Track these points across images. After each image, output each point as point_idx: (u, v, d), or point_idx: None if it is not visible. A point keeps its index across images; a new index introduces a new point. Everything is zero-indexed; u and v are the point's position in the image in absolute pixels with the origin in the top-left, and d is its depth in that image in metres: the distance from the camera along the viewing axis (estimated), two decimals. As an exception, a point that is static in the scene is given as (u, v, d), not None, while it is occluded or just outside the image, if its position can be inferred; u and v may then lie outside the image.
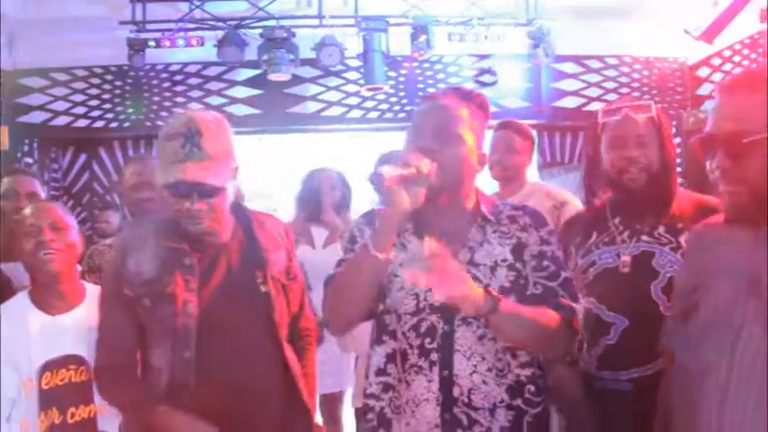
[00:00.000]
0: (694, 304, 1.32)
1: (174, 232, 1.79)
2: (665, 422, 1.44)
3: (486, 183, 2.64)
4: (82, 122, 5.90)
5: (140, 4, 5.37)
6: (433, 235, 1.61)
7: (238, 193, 2.58)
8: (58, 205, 2.15)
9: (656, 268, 1.86)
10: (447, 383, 1.55)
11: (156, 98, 5.95)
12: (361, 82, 5.73)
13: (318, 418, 2.48)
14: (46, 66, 5.79)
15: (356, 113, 6.09)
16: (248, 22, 5.48)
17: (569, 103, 6.16)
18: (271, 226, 1.94)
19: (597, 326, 1.90)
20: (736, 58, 5.42)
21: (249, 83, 5.96)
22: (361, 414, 1.74)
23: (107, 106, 5.92)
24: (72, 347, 1.94)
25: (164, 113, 5.84)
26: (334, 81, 6.03)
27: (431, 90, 5.83)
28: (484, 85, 5.81)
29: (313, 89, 6.02)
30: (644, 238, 1.91)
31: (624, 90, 6.13)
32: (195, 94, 5.96)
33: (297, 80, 5.84)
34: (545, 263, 1.62)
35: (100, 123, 5.92)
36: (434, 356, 1.55)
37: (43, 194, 2.76)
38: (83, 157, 6.06)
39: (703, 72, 5.95)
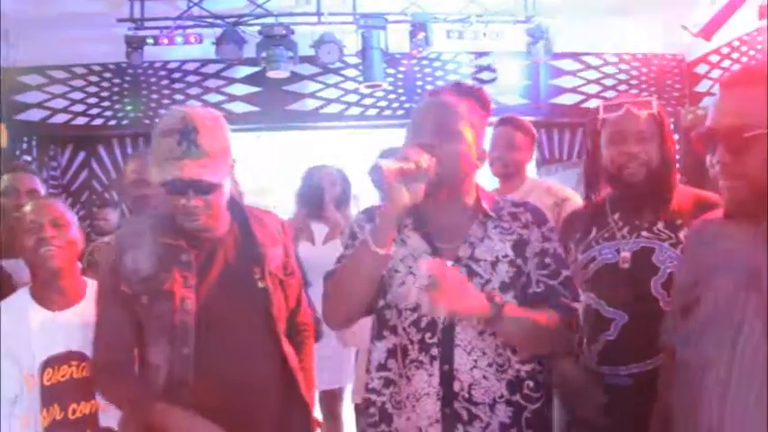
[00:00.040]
0: (695, 299, 1.33)
1: (170, 229, 1.78)
2: (664, 417, 1.44)
3: (486, 179, 2.65)
4: (80, 120, 5.90)
5: (139, 2, 5.36)
6: (434, 230, 1.63)
7: (238, 191, 2.59)
8: (58, 202, 2.15)
9: (656, 264, 1.86)
10: (447, 378, 1.56)
11: (155, 96, 5.95)
12: (360, 79, 5.72)
13: (318, 414, 2.48)
14: (44, 63, 5.79)
15: (355, 111, 6.10)
16: (247, 19, 5.48)
17: (568, 99, 6.17)
18: (268, 222, 1.94)
19: (597, 321, 1.90)
20: (735, 55, 5.42)
21: (248, 80, 5.96)
22: (361, 410, 1.74)
23: (106, 104, 5.92)
24: (73, 344, 1.94)
25: (162, 111, 5.83)
26: (332, 78, 6.03)
27: (429, 87, 5.84)
28: (482, 82, 5.81)
29: (312, 86, 6.03)
30: (644, 233, 1.91)
31: (622, 87, 6.15)
32: (194, 91, 5.97)
33: (295, 77, 5.84)
34: (547, 260, 1.63)
35: (98, 121, 5.92)
36: (435, 351, 1.56)
37: (43, 191, 2.76)
38: (81, 155, 6.06)
39: (701, 69, 5.96)
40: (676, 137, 1.96)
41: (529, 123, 3.16)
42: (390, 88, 6.01)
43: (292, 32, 5.41)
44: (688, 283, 1.38)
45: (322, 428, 2.12)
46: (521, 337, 1.55)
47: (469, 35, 5.50)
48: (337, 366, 3.52)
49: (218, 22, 5.42)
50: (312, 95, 6.04)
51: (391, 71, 5.94)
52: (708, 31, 4.70)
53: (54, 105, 5.87)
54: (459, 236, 1.62)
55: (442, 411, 1.55)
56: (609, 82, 6.17)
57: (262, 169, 6.36)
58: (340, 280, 1.61)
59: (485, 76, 5.87)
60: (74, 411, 1.91)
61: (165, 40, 5.41)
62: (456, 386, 1.55)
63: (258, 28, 5.41)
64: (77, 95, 5.90)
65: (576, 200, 2.73)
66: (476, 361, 1.56)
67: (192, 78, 5.98)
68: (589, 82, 6.16)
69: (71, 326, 1.96)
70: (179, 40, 5.45)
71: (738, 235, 1.28)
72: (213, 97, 5.92)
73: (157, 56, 5.73)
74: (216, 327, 1.73)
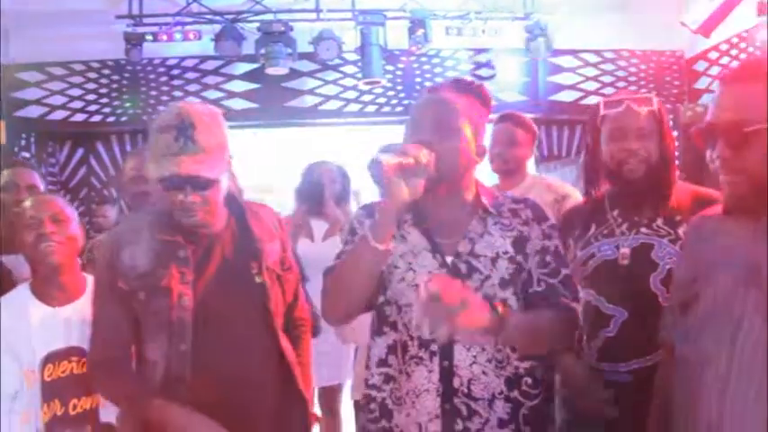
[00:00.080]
0: (694, 296, 1.33)
1: (167, 225, 1.78)
2: (663, 413, 1.45)
3: (485, 175, 2.65)
4: (79, 117, 5.89)
5: (137, -2, 5.37)
6: (434, 226, 1.63)
7: (237, 187, 2.59)
8: (58, 198, 2.15)
9: (656, 260, 1.86)
10: (447, 374, 1.56)
11: (154, 92, 5.94)
12: (359, 76, 5.73)
13: (317, 410, 2.49)
14: (43, 60, 5.77)
15: (354, 107, 6.09)
16: (245, 15, 5.48)
17: (566, 96, 6.16)
18: (265, 216, 1.94)
19: (597, 318, 1.90)
20: (734, 52, 5.42)
21: (246, 77, 5.95)
22: (361, 406, 1.74)
23: (104, 100, 5.91)
24: (74, 339, 1.94)
25: (161, 108, 5.82)
26: (331, 75, 6.02)
27: (428, 84, 5.84)
28: (481, 79, 5.80)
29: (310, 83, 6.02)
30: (643, 230, 1.91)
31: (621, 84, 6.14)
32: (192, 88, 5.95)
33: (294, 74, 5.83)
34: (548, 258, 1.64)
35: (97, 118, 5.91)
36: (434, 347, 1.56)
37: (42, 187, 2.75)
38: (80, 152, 6.05)
39: (700, 66, 5.95)
40: (675, 134, 1.96)
41: (529, 120, 3.16)
42: (389, 85, 6.00)
43: (291, 29, 5.41)
44: (687, 280, 1.38)
45: (321, 423, 2.12)
46: (522, 341, 1.55)
47: (468, 32, 5.51)
48: (336, 363, 3.52)
49: (217, 18, 5.43)
50: (311, 92, 6.03)
51: (390, 68, 5.94)
52: (707, 28, 4.70)
53: (52, 102, 5.86)
54: (459, 231, 1.62)
55: (441, 407, 1.56)
56: (607, 79, 6.17)
57: (261, 166, 6.36)
58: (339, 276, 1.61)
59: (483, 72, 5.85)
60: (74, 407, 1.92)
61: (164, 37, 5.41)
62: (456, 382, 1.56)
63: (257, 25, 5.41)
64: (76, 92, 5.88)
65: (577, 196, 2.73)
66: (475, 357, 1.56)
67: (190, 75, 5.97)
68: (588, 79, 6.16)
69: (71, 321, 1.96)
70: (178, 36, 5.45)
71: (737, 231, 1.29)
72: (212, 94, 5.90)
73: (156, 52, 5.72)
74: (213, 322, 1.73)
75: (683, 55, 6.17)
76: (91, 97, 5.90)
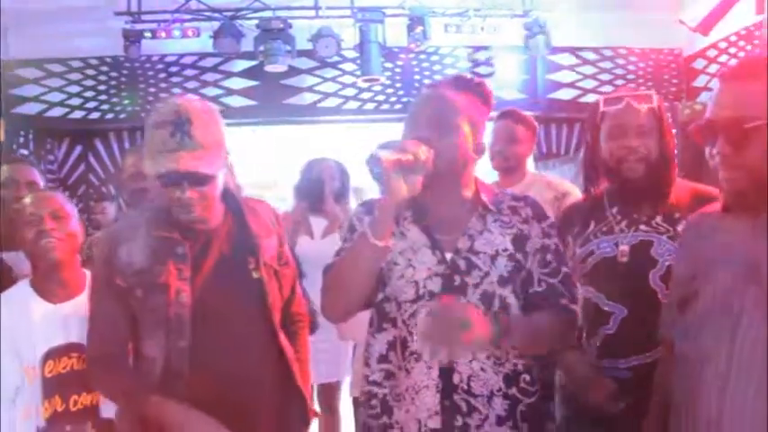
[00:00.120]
0: (693, 293, 1.33)
1: (165, 221, 1.77)
2: (662, 409, 1.45)
3: (486, 172, 2.65)
4: (77, 114, 5.87)
5: (136, -5, 5.36)
6: (433, 222, 1.63)
7: (235, 183, 2.59)
8: (58, 194, 2.15)
9: (655, 257, 1.86)
10: (447, 370, 1.56)
11: (152, 89, 5.92)
12: (358, 73, 5.71)
13: (316, 408, 2.49)
14: (41, 56, 5.75)
15: (353, 105, 6.08)
16: (244, 12, 5.46)
17: (565, 94, 6.16)
18: (262, 212, 1.93)
19: (596, 315, 1.90)
20: (732, 50, 5.42)
21: (245, 74, 5.94)
22: (361, 402, 1.74)
23: (103, 97, 5.89)
24: (74, 335, 1.94)
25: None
26: (330, 72, 6.01)
27: (427, 81, 5.84)
28: (480, 76, 5.80)
29: (309, 80, 6.01)
30: (642, 227, 1.91)
31: (619, 82, 6.13)
32: (191, 85, 5.93)
33: (293, 71, 5.82)
34: (548, 258, 1.65)
35: (96, 115, 5.89)
36: None
37: (42, 183, 2.75)
38: (78, 149, 6.03)
39: (699, 64, 5.95)
40: (674, 131, 1.96)
41: (530, 117, 3.15)
42: (388, 82, 5.99)
43: (290, 26, 5.40)
44: (686, 277, 1.38)
45: (319, 419, 2.12)
46: (522, 346, 1.57)
47: (467, 29, 5.50)
48: (335, 360, 3.52)
49: (216, 15, 5.41)
50: (310, 89, 6.02)
51: (389, 65, 5.92)
52: (705, 26, 4.70)
53: (51, 99, 5.84)
54: (459, 228, 1.63)
55: (441, 403, 1.56)
56: (606, 77, 6.16)
57: (259, 163, 6.36)
58: (339, 273, 1.61)
59: (482, 70, 5.86)
60: (75, 403, 1.92)
61: (163, 34, 5.40)
62: (455, 378, 1.56)
63: (256, 22, 5.40)
64: (74, 89, 5.86)
65: (577, 194, 2.72)
66: (474, 353, 1.57)
67: (189, 72, 5.95)
68: (586, 77, 6.16)
69: (72, 318, 1.96)
70: (176, 33, 5.44)
71: (736, 228, 1.29)
72: (210, 91, 5.89)
73: (155, 49, 5.70)
74: (211, 319, 1.73)
75: (681, 53, 6.17)
76: (89, 94, 5.88)
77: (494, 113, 2.48)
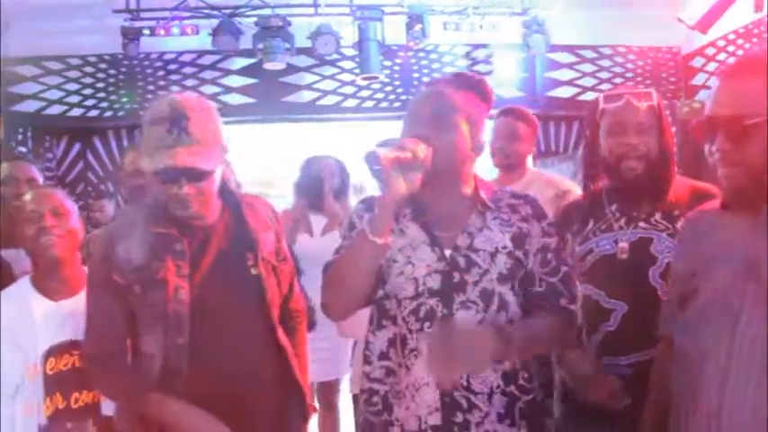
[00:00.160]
0: (692, 290, 1.33)
1: (162, 218, 1.77)
2: (658, 408, 1.46)
3: (486, 170, 2.65)
4: (76, 111, 5.88)
5: (135, -7, 5.36)
6: (432, 219, 1.63)
7: (234, 180, 2.59)
8: (58, 191, 2.14)
9: (654, 254, 1.87)
10: (446, 368, 1.57)
11: (151, 87, 5.92)
12: (357, 71, 5.72)
13: (315, 405, 2.49)
14: (39, 54, 5.75)
15: (351, 103, 6.08)
16: (243, 10, 5.47)
17: (563, 92, 6.17)
18: (259, 207, 1.93)
19: (597, 313, 1.90)
20: (731, 48, 5.43)
21: (244, 72, 5.94)
22: (360, 400, 1.75)
23: (101, 95, 5.89)
24: (75, 333, 1.93)
25: (158, 103, 5.80)
26: (329, 70, 6.01)
27: (426, 79, 5.84)
28: (479, 74, 5.80)
29: (308, 78, 6.01)
30: (641, 224, 1.91)
31: (618, 80, 6.14)
32: (190, 83, 5.94)
33: (292, 69, 5.83)
34: (548, 257, 1.65)
35: (94, 112, 5.90)
36: None
37: (41, 180, 2.75)
38: (77, 147, 6.03)
39: (697, 62, 5.96)
40: (673, 129, 1.97)
41: (531, 114, 3.14)
42: (387, 80, 6.00)
43: (289, 24, 5.41)
44: (685, 274, 1.38)
45: (318, 415, 2.12)
46: (522, 351, 1.57)
47: (466, 27, 5.51)
48: (334, 357, 3.52)
49: (215, 13, 5.42)
50: (308, 87, 6.02)
51: (388, 63, 5.93)
52: (704, 24, 4.71)
53: (49, 96, 5.84)
54: (458, 225, 1.63)
55: (441, 400, 1.56)
56: (604, 75, 6.17)
57: (258, 161, 6.35)
58: (338, 270, 1.61)
59: (481, 68, 5.86)
60: (76, 400, 1.92)
61: (162, 31, 5.40)
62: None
63: (255, 19, 5.41)
64: (73, 86, 5.86)
65: (577, 192, 2.71)
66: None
67: (188, 70, 5.95)
68: (585, 75, 6.16)
69: (73, 315, 1.95)
70: (175, 31, 5.45)
71: (735, 225, 1.29)
72: (209, 89, 5.88)
73: (153, 47, 5.71)
74: (210, 315, 1.73)
75: (679, 51, 6.18)
76: (88, 92, 5.88)
77: (494, 111, 2.49)
